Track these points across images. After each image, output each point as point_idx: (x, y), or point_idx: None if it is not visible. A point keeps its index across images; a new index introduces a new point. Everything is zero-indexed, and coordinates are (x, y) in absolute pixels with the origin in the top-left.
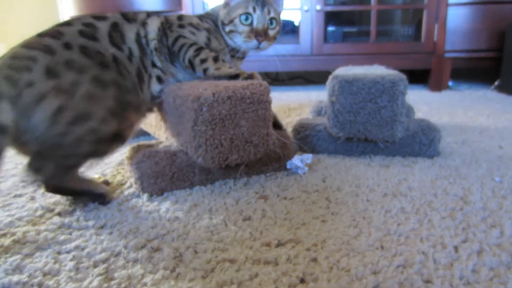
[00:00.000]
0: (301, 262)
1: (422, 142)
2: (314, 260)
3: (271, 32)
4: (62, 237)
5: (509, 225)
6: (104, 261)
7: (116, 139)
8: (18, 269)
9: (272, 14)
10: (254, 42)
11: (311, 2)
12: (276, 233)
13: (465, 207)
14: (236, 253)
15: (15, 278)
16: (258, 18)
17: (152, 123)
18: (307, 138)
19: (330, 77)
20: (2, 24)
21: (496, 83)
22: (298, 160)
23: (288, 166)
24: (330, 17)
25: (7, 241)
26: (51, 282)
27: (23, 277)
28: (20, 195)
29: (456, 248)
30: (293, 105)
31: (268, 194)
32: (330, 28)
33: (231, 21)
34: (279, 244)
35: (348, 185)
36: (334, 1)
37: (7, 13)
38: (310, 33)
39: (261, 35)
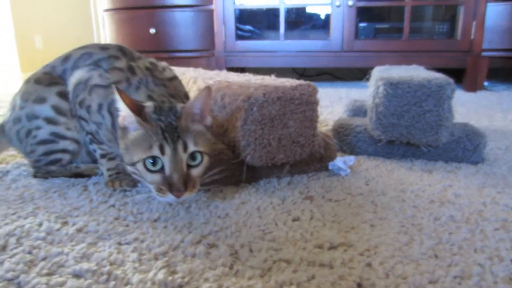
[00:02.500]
0: (356, 267)
1: (466, 148)
2: (369, 265)
3: (195, 172)
4: (120, 229)
5: None
6: (163, 254)
7: None
8: (85, 257)
9: (192, 147)
10: (170, 197)
11: None
12: (326, 235)
13: None
14: (291, 253)
15: (85, 266)
16: (171, 163)
17: None
18: (346, 139)
19: (374, 78)
20: (38, 16)
21: None
22: (341, 162)
23: (330, 167)
24: (362, 13)
25: (71, 230)
26: (118, 272)
27: (92, 266)
28: (73, 185)
29: None
30: (323, 103)
31: (313, 195)
32: (362, 24)
33: (132, 164)
34: (331, 247)
35: (392, 189)
36: None
37: (43, 6)
38: (341, 29)
39: (178, 188)
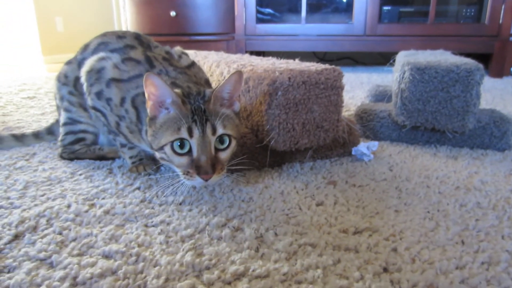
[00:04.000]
0: (382, 252)
1: (493, 134)
2: (394, 250)
3: (223, 156)
4: (146, 211)
5: None
6: (190, 236)
7: None
8: (114, 238)
9: (220, 130)
10: (198, 180)
11: None
12: (351, 220)
13: None
14: (316, 238)
15: (114, 247)
16: (199, 146)
17: None
18: (369, 124)
19: (400, 63)
20: None
21: None
22: (364, 147)
23: (353, 153)
24: None
25: (98, 212)
26: (147, 254)
27: (121, 247)
28: (99, 167)
29: None
30: (345, 88)
31: (336, 180)
32: (386, 8)
33: (160, 148)
34: (356, 232)
35: (417, 175)
36: None
37: None
38: (364, 12)
39: (206, 171)
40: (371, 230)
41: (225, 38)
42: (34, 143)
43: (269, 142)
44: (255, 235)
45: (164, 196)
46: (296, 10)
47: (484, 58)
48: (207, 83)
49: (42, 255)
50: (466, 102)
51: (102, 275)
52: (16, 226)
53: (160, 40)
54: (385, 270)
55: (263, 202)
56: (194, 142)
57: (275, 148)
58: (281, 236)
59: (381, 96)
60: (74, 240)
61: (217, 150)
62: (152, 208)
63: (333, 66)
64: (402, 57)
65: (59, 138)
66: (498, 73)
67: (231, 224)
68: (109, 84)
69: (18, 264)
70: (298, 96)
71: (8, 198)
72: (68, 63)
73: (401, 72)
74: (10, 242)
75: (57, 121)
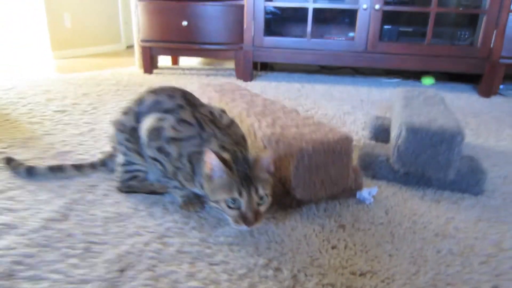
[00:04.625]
0: None
1: (469, 182)
2: None
3: (262, 209)
4: (208, 251)
5: None
6: (245, 275)
7: None
8: (191, 275)
9: (261, 192)
10: (244, 227)
11: (371, 1)
12: (357, 263)
13: (499, 254)
14: (334, 278)
15: (194, 283)
16: (246, 203)
17: None
18: (370, 166)
19: (397, 123)
20: None
21: None
22: (366, 193)
23: (357, 197)
24: (387, 16)
25: (171, 250)
26: None
27: (200, 284)
28: (154, 202)
29: None
30: (345, 108)
31: (345, 224)
32: (386, 27)
33: (216, 201)
34: (361, 274)
35: (407, 220)
36: (393, 0)
37: None
38: (366, 30)
39: (251, 222)
40: (372, 273)
41: (234, 48)
42: (91, 174)
43: (294, 194)
44: (290, 275)
45: (215, 236)
46: (302, 25)
47: (474, 78)
48: (244, 139)
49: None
50: (449, 158)
51: None
52: (119, 266)
53: (171, 48)
54: None
55: (292, 244)
56: (242, 201)
57: (298, 198)
58: (309, 276)
59: (380, 129)
60: (163, 276)
61: (258, 204)
62: (210, 247)
63: (346, 134)
64: (400, 108)
65: (117, 175)
66: (487, 93)
67: (272, 265)
68: (169, 141)
69: None
70: (318, 160)
71: (95, 233)
72: (125, 113)
73: (399, 130)
74: (118, 277)
75: (111, 156)
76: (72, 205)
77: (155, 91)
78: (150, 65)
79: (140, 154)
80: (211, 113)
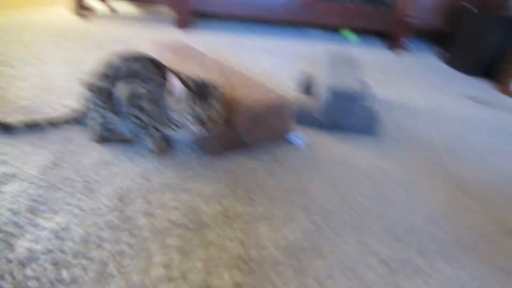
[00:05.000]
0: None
1: (369, 128)
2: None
3: (215, 116)
4: (181, 182)
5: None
6: (211, 196)
7: None
8: (175, 200)
9: (214, 104)
10: (204, 131)
11: None
12: (290, 184)
13: (377, 172)
14: (274, 195)
15: (175, 203)
16: (203, 111)
17: None
18: (299, 116)
19: (323, 85)
20: None
21: (445, 54)
22: (295, 136)
23: (288, 140)
24: None
25: (151, 184)
26: (194, 205)
27: (179, 204)
28: (126, 150)
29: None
30: (279, 62)
31: (279, 158)
32: None
33: (181, 113)
34: (290, 190)
35: (324, 154)
36: None
37: None
38: None
39: (207, 126)
40: (298, 188)
41: None
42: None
43: (243, 139)
44: (244, 194)
45: (185, 171)
46: None
47: (384, 34)
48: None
49: (142, 210)
50: (356, 112)
51: (175, 223)
52: (117, 197)
53: None
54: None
55: (242, 174)
56: (200, 110)
57: (246, 142)
58: (257, 195)
59: (307, 84)
60: (153, 201)
61: (211, 113)
62: (183, 180)
63: (282, 94)
64: (325, 73)
65: (93, 128)
66: (394, 48)
67: (230, 188)
68: (145, 100)
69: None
70: (261, 114)
71: (89, 175)
72: (98, 77)
73: (324, 92)
74: (120, 204)
75: (83, 113)
76: (58, 154)
77: (125, 57)
78: (80, 5)
79: (113, 111)
80: (178, 72)
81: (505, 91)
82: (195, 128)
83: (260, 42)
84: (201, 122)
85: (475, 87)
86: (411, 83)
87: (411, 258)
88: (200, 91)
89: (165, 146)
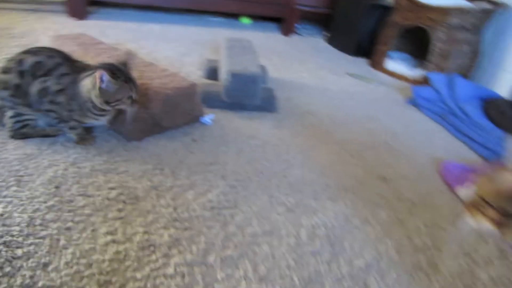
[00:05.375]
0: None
1: (268, 105)
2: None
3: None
4: (112, 167)
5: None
6: (142, 176)
7: None
8: (108, 181)
9: (135, 85)
10: (135, 107)
11: None
12: (207, 159)
13: (281, 143)
14: (193, 170)
15: (111, 185)
16: (134, 93)
17: None
18: (207, 99)
19: (224, 69)
20: None
21: (326, 34)
22: (207, 118)
23: (201, 121)
24: None
25: (84, 170)
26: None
27: (115, 184)
28: (51, 143)
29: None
30: (181, 50)
31: (196, 138)
32: None
33: (114, 102)
34: (211, 163)
35: (233, 131)
36: None
37: None
38: None
39: (138, 101)
40: (216, 163)
41: None
42: None
43: (161, 123)
44: (170, 171)
45: (113, 157)
46: None
47: (280, 20)
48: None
49: (81, 193)
50: (256, 91)
51: (113, 200)
52: (54, 185)
53: None
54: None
55: (166, 154)
56: (132, 93)
57: (164, 126)
58: (180, 171)
59: (211, 70)
60: (89, 184)
61: (135, 92)
62: (112, 164)
63: (193, 81)
64: (225, 58)
65: (9, 126)
66: (287, 32)
67: (157, 167)
68: (57, 94)
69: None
70: (176, 100)
71: (18, 170)
72: (6, 72)
73: (226, 75)
74: (58, 190)
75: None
76: None
77: (34, 52)
78: None
79: (27, 105)
80: (87, 64)
81: (380, 68)
82: (129, 108)
83: (162, 30)
84: (135, 102)
85: (355, 65)
86: (301, 64)
87: (309, 203)
88: (124, 75)
89: (88, 137)
